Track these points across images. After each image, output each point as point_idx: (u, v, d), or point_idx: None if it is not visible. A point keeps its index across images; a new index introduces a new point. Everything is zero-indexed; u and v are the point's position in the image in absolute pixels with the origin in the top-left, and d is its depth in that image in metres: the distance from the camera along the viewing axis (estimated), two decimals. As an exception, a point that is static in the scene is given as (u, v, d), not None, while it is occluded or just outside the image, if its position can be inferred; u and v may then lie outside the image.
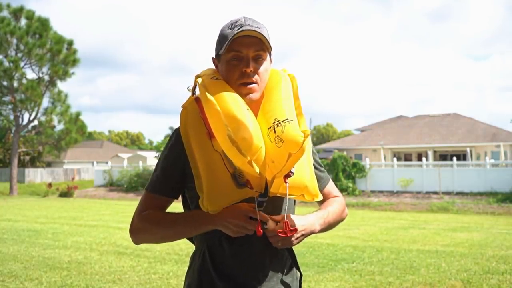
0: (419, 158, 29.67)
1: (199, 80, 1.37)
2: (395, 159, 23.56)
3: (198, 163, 1.34)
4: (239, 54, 1.35)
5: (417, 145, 30.23)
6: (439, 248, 7.88)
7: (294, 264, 1.50)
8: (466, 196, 18.07)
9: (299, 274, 1.53)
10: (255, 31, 1.33)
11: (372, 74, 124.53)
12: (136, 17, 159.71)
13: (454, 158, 20.21)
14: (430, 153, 27.28)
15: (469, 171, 19.33)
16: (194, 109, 1.37)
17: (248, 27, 1.33)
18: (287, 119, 1.31)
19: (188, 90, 1.42)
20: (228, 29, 1.37)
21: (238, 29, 1.34)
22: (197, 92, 1.40)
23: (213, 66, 1.48)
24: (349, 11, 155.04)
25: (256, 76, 1.36)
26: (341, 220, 1.68)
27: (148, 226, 1.42)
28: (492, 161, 20.81)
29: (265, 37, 1.35)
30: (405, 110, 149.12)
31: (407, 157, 32.33)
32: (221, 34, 1.40)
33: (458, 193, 18.54)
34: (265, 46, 1.37)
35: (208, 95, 1.30)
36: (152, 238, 1.45)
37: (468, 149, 26.36)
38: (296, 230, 1.35)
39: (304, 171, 1.39)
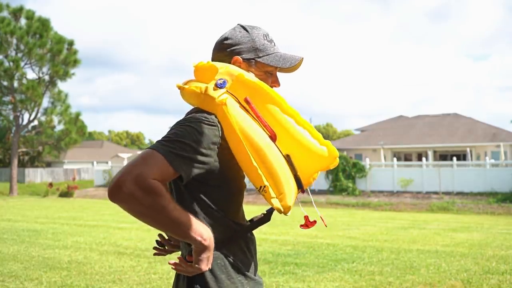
0: (419, 158, 29.69)
1: (251, 77, 1.36)
2: (395, 159, 23.57)
3: (275, 165, 1.32)
4: (273, 69, 1.49)
5: (417, 145, 30.24)
6: (439, 248, 7.88)
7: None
8: (466, 196, 18.07)
9: None
10: (301, 63, 1.53)
11: (372, 74, 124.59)
12: (135, 17, 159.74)
13: (454, 158, 20.21)
14: (430, 153, 27.29)
15: (469, 171, 19.33)
16: (234, 107, 1.31)
17: (299, 55, 1.53)
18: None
19: (221, 82, 1.32)
20: (264, 39, 1.49)
21: (275, 45, 1.51)
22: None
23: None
24: (348, 10, 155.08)
25: None
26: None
27: (151, 202, 1.17)
28: (492, 161, 20.82)
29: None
30: (405, 110, 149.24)
31: (407, 157, 32.34)
32: (260, 43, 1.48)
33: (458, 193, 18.55)
34: (286, 69, 1.53)
35: (285, 105, 1.39)
36: (138, 211, 1.21)
37: (468, 149, 26.36)
38: (315, 222, 1.47)
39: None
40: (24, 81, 27.29)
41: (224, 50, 1.47)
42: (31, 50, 26.40)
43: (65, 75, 27.64)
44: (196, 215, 1.31)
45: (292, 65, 1.48)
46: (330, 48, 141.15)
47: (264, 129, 1.33)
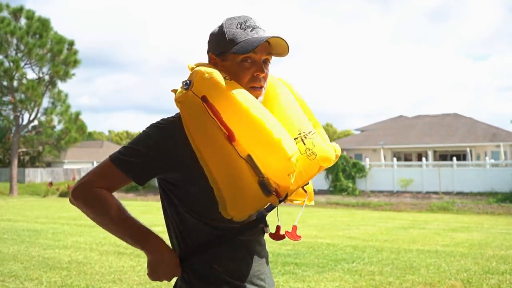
0: (419, 158, 29.69)
1: (207, 75, 1.27)
2: (395, 159, 23.58)
3: (214, 170, 1.26)
4: (253, 57, 1.35)
5: (417, 145, 30.24)
6: (439, 248, 7.88)
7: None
8: (466, 196, 18.08)
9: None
10: (282, 38, 1.33)
11: (372, 74, 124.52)
12: (135, 17, 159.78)
13: (454, 158, 20.22)
14: (430, 153, 27.29)
15: (469, 171, 19.34)
16: (196, 106, 1.27)
17: (272, 33, 1.35)
18: (311, 131, 1.36)
19: (185, 84, 1.30)
20: (237, 28, 1.36)
21: (251, 30, 1.35)
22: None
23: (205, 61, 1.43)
24: (348, 10, 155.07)
25: (263, 81, 1.38)
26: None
27: (94, 208, 1.34)
28: (492, 161, 20.83)
29: (288, 45, 1.35)
30: (405, 110, 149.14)
31: (407, 157, 32.34)
32: (230, 33, 1.36)
33: (458, 193, 18.55)
34: (277, 51, 1.38)
35: (238, 95, 1.26)
36: (91, 216, 1.37)
37: (468, 149, 26.37)
38: (300, 237, 1.41)
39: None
40: (24, 81, 27.29)
41: (208, 45, 1.44)
42: (31, 50, 26.40)
43: (65, 75, 27.64)
44: (172, 221, 1.39)
45: (253, 48, 1.30)
46: (330, 48, 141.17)
47: (222, 128, 1.25)
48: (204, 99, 1.26)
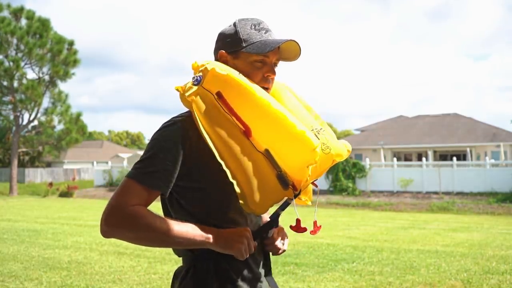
0: (419, 158, 29.69)
1: (222, 71, 1.27)
2: (395, 159, 23.57)
3: (232, 164, 1.25)
4: (266, 59, 1.37)
5: (417, 145, 30.24)
6: (439, 248, 7.88)
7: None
8: (466, 196, 18.08)
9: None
10: (298, 44, 1.36)
11: (372, 74, 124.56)
12: (135, 17, 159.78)
13: (454, 158, 20.21)
14: (430, 153, 27.29)
15: (469, 171, 19.33)
16: (210, 103, 1.27)
17: (284, 37, 1.37)
18: (321, 128, 1.38)
19: (196, 80, 1.28)
20: (251, 29, 1.38)
21: (265, 32, 1.38)
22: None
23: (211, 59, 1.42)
24: (348, 10, 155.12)
25: (272, 83, 1.41)
26: None
27: (137, 226, 1.22)
28: (492, 161, 20.82)
29: (301, 50, 1.39)
30: (405, 110, 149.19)
31: (407, 157, 32.34)
32: (244, 32, 1.37)
33: (458, 193, 18.55)
34: (286, 56, 1.41)
35: (258, 91, 1.28)
36: (133, 238, 1.26)
37: (468, 149, 26.37)
38: (320, 226, 1.45)
39: None
40: (24, 81, 27.29)
41: (215, 46, 1.44)
42: (31, 50, 26.41)
43: (65, 75, 27.65)
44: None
45: (271, 49, 1.32)
46: (330, 48, 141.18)
47: (238, 124, 1.26)
48: (218, 94, 1.26)
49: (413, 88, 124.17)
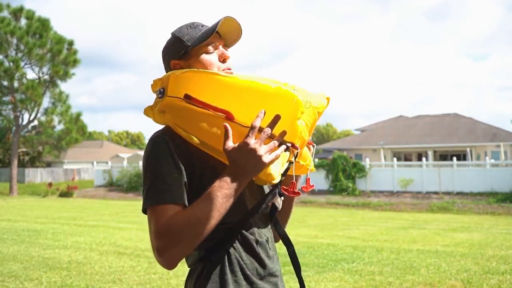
0: (419, 158, 29.68)
1: (179, 73, 1.28)
2: (395, 159, 23.56)
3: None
4: (215, 45, 1.39)
5: (417, 145, 30.24)
6: (439, 248, 7.88)
7: (295, 266, 1.53)
8: (466, 196, 18.07)
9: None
10: (235, 20, 1.36)
11: (372, 74, 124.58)
12: (134, 17, 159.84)
13: (454, 158, 20.21)
14: (430, 153, 27.28)
15: (469, 171, 19.32)
16: (182, 107, 1.26)
17: (220, 18, 1.36)
18: (294, 88, 1.31)
19: (159, 93, 1.28)
20: (188, 29, 1.40)
21: (202, 27, 1.40)
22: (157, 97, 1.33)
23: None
24: (348, 10, 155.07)
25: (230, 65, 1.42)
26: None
27: (179, 229, 1.17)
28: (492, 161, 20.81)
29: (240, 26, 1.39)
30: (405, 110, 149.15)
31: (407, 157, 32.34)
32: (183, 34, 1.39)
33: (458, 193, 18.55)
34: (228, 41, 1.42)
35: (219, 73, 1.27)
36: (188, 242, 1.19)
37: (468, 149, 26.35)
38: (313, 186, 1.44)
39: None
40: (24, 81, 27.29)
41: (164, 62, 1.45)
42: (31, 50, 26.40)
43: (65, 75, 27.64)
44: None
45: (215, 30, 1.33)
46: (330, 48, 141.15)
47: (217, 113, 1.24)
48: (187, 96, 1.25)
49: (413, 88, 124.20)
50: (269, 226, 1.46)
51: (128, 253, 7.34)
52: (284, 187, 1.33)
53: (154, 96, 1.34)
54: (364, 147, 31.65)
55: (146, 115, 1.36)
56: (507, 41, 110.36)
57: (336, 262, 6.62)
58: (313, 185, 1.43)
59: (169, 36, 1.45)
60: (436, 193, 18.87)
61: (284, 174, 1.33)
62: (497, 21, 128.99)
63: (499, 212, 15.45)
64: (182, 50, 1.38)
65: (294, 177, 1.33)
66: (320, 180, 21.09)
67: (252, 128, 1.19)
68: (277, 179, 1.29)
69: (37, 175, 34.83)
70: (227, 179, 1.20)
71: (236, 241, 1.33)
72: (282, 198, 1.38)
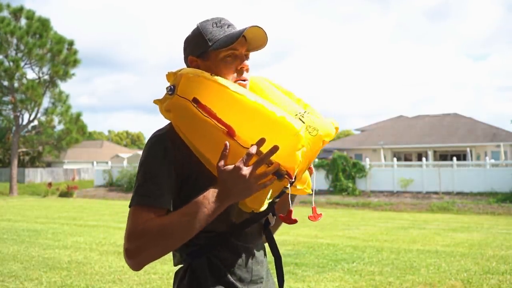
0: (419, 158, 29.68)
1: (192, 75, 1.26)
2: (395, 159, 23.56)
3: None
4: (235, 52, 1.34)
5: (417, 145, 30.23)
6: (439, 248, 7.88)
7: (273, 251, 1.51)
8: (466, 196, 18.07)
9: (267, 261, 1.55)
10: (260, 27, 1.32)
11: (372, 74, 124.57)
12: (134, 17, 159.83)
13: (454, 158, 20.21)
14: (430, 153, 27.28)
15: (469, 171, 19.32)
16: (189, 111, 1.25)
17: (240, 30, 1.33)
18: (305, 111, 1.34)
19: (169, 90, 1.28)
20: (213, 27, 1.36)
21: (228, 27, 1.36)
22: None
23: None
24: (348, 10, 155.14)
25: (247, 75, 1.38)
26: None
27: (152, 236, 1.18)
28: (492, 161, 20.81)
29: (266, 33, 1.35)
30: (405, 110, 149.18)
31: (407, 157, 32.33)
32: (207, 32, 1.35)
33: (458, 193, 18.54)
34: (254, 46, 1.38)
35: (230, 86, 1.24)
36: (158, 250, 1.20)
37: (468, 149, 26.35)
38: (321, 215, 1.41)
39: None
40: (24, 81, 27.28)
41: (184, 53, 1.43)
42: (31, 50, 26.39)
43: (65, 75, 27.64)
44: None
45: (237, 39, 1.28)
46: (330, 48, 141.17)
47: (219, 125, 1.23)
48: (195, 100, 1.24)
49: (413, 88, 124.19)
50: (261, 233, 1.47)
51: (128, 253, 7.34)
52: (282, 214, 1.34)
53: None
54: (364, 147, 31.64)
55: (155, 103, 1.36)
56: (507, 41, 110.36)
57: (336, 262, 6.62)
58: (320, 214, 1.42)
59: (189, 29, 1.41)
60: (436, 193, 18.87)
61: (279, 196, 1.33)
62: (497, 21, 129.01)
63: (499, 212, 15.45)
64: (202, 49, 1.35)
65: (290, 204, 1.34)
66: (320, 180, 21.09)
67: (248, 154, 1.18)
68: (262, 208, 1.29)
69: (37, 175, 34.83)
70: (211, 197, 1.19)
71: (221, 248, 1.34)
72: (275, 216, 1.40)
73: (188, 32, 1.43)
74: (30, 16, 27.26)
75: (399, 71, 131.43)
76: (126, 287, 5.30)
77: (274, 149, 1.17)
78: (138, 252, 1.19)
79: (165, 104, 1.28)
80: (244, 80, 1.36)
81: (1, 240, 8.83)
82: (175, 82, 1.27)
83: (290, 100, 1.41)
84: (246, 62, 1.36)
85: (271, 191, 1.30)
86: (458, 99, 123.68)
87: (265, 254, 1.49)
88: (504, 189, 17.73)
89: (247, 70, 1.37)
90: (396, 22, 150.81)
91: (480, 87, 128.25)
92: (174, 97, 1.26)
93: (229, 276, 1.33)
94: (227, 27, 1.36)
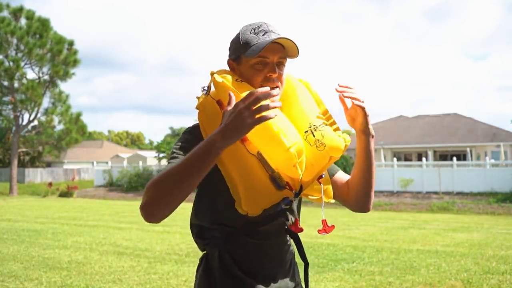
0: (419, 158, 29.68)
1: (218, 79, 1.33)
2: (395, 159, 23.56)
3: (229, 168, 1.30)
4: (265, 60, 1.38)
5: (417, 145, 30.23)
6: (439, 248, 7.88)
7: (302, 256, 1.53)
8: (466, 196, 18.07)
9: (298, 268, 1.58)
10: (290, 39, 1.36)
11: (372, 73, 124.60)
12: (134, 17, 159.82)
13: (454, 158, 20.20)
14: (430, 153, 27.27)
15: (469, 171, 19.32)
16: (214, 111, 1.33)
17: (281, 35, 1.37)
18: (321, 124, 1.37)
19: (203, 90, 1.37)
20: (250, 33, 1.40)
21: (263, 34, 1.39)
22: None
23: (226, 68, 1.47)
24: (347, 10, 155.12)
25: (278, 82, 1.41)
26: (371, 184, 1.54)
27: (161, 182, 1.23)
28: (492, 161, 20.82)
29: (297, 46, 1.38)
30: (405, 110, 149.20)
31: (407, 157, 32.33)
32: (244, 38, 1.40)
33: (458, 193, 18.54)
34: (290, 53, 1.41)
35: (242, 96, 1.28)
36: (168, 194, 1.23)
37: (468, 149, 26.35)
38: (333, 226, 1.45)
39: (326, 173, 1.48)
40: (24, 81, 27.28)
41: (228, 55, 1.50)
42: (31, 50, 26.39)
43: (65, 75, 27.64)
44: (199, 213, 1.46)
45: (260, 49, 1.33)
46: (330, 48, 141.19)
47: None
48: (219, 103, 1.32)
49: (413, 88, 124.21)
50: (279, 233, 1.47)
51: (128, 253, 7.34)
52: (290, 224, 1.41)
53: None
54: (364, 147, 31.57)
55: (198, 99, 1.41)
56: (507, 41, 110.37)
57: (336, 262, 6.62)
58: (332, 226, 1.45)
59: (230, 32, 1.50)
60: (436, 193, 18.87)
61: (285, 203, 1.34)
62: (497, 21, 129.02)
63: (499, 212, 15.45)
64: (237, 53, 1.41)
65: (297, 213, 1.43)
66: (320, 180, 21.11)
67: (250, 94, 1.16)
68: (257, 213, 1.31)
69: (37, 175, 34.83)
70: (208, 137, 1.21)
71: (234, 242, 1.40)
72: (292, 218, 1.46)
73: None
74: (30, 16, 27.26)
75: (399, 71, 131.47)
76: (126, 287, 5.30)
77: (265, 92, 1.16)
78: (147, 202, 1.24)
79: (198, 103, 1.38)
80: (273, 88, 1.36)
81: (1, 240, 8.83)
82: (210, 83, 1.37)
83: (315, 110, 1.45)
84: (276, 70, 1.38)
85: (270, 199, 1.33)
86: (458, 99, 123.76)
87: (286, 254, 1.51)
88: (504, 189, 17.72)
89: (278, 78, 1.40)
90: (396, 22, 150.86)
91: (480, 87, 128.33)
92: (206, 97, 1.36)
93: (236, 269, 1.39)
94: (263, 34, 1.39)
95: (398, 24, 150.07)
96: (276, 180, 1.29)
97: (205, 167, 1.22)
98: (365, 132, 1.45)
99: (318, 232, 1.41)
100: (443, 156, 31.05)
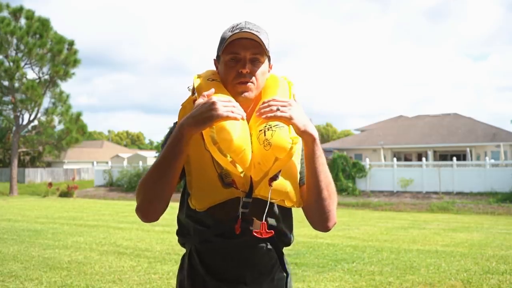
0: (419, 158, 29.67)
1: (196, 81, 1.42)
2: (395, 159, 23.55)
3: (190, 161, 1.37)
4: (237, 56, 1.40)
5: (417, 145, 30.23)
6: (439, 248, 7.88)
7: (281, 264, 1.50)
8: (466, 196, 18.07)
9: (284, 274, 1.51)
10: (252, 33, 1.36)
11: (372, 74, 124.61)
12: (134, 17, 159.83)
13: (454, 158, 20.21)
14: (430, 153, 27.28)
15: (469, 171, 19.32)
16: (191, 109, 1.38)
17: (247, 30, 1.38)
18: (277, 124, 1.30)
19: (189, 89, 1.45)
20: (229, 31, 1.42)
21: (238, 31, 1.40)
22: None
23: (214, 68, 1.54)
24: (348, 10, 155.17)
25: (253, 78, 1.40)
26: (329, 191, 1.39)
27: (146, 181, 1.36)
28: (492, 161, 20.81)
29: (262, 41, 1.38)
30: (405, 110, 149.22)
31: (407, 157, 32.33)
32: (222, 37, 1.45)
33: (458, 193, 18.55)
34: (262, 49, 1.40)
35: (201, 98, 1.36)
36: (154, 190, 1.34)
37: (468, 149, 26.36)
38: (272, 233, 1.37)
39: (289, 177, 1.38)
40: (24, 81, 27.27)
41: None
42: (31, 50, 26.38)
43: (65, 75, 27.64)
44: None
45: (224, 46, 1.40)
46: (330, 48, 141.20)
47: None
48: (194, 102, 1.37)
49: (413, 88, 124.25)
50: (247, 235, 1.40)
51: (128, 253, 7.34)
52: (256, 230, 1.36)
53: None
54: (364, 147, 31.64)
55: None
56: (507, 41, 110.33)
57: (336, 262, 6.62)
58: (271, 232, 1.37)
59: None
60: (436, 193, 18.87)
61: (244, 206, 1.35)
62: (497, 21, 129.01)
63: (499, 212, 15.45)
64: (217, 53, 1.48)
65: (263, 217, 1.35)
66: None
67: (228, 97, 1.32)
68: (203, 208, 1.36)
69: (37, 175, 34.83)
70: (178, 123, 1.32)
71: (202, 242, 1.45)
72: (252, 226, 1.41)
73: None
74: (30, 16, 27.24)
75: (399, 71, 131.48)
76: (126, 287, 5.30)
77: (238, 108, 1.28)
78: (138, 204, 1.40)
79: (184, 101, 1.45)
80: (245, 82, 1.39)
81: (1, 240, 8.83)
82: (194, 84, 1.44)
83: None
84: (247, 66, 1.38)
85: (217, 196, 1.37)
86: (458, 99, 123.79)
87: (263, 260, 1.46)
88: (504, 189, 17.73)
89: (250, 74, 1.39)
90: (396, 22, 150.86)
91: (480, 87, 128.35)
92: (191, 96, 1.42)
93: (200, 267, 1.44)
94: (238, 32, 1.39)
95: (398, 24, 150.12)
96: (222, 177, 1.32)
97: (179, 155, 1.29)
98: (300, 134, 1.32)
99: (253, 233, 1.35)
100: (443, 156, 31.05)
